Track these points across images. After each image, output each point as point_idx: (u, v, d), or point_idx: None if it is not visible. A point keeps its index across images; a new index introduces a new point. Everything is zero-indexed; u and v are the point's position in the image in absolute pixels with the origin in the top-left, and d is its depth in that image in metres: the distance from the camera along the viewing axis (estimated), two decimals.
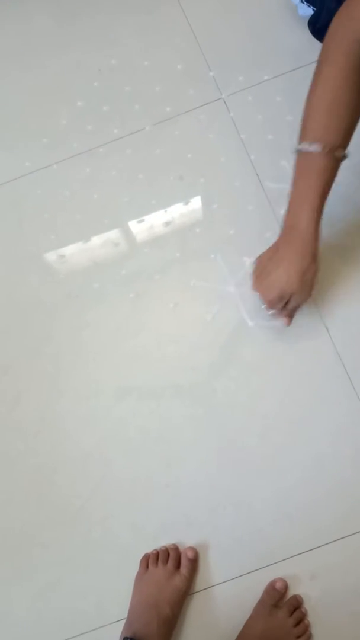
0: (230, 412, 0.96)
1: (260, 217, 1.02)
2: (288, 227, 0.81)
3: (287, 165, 1.03)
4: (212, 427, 0.96)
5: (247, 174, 1.04)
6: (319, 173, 0.76)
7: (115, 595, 0.90)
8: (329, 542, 0.88)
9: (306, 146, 0.75)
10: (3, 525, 0.96)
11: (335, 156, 0.75)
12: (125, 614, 0.87)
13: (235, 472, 0.93)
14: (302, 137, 0.76)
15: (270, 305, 0.86)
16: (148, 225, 1.06)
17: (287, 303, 0.85)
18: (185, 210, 1.05)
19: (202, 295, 1.01)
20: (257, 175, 1.04)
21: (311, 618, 0.86)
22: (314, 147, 0.74)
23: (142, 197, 1.07)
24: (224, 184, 1.05)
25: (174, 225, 1.05)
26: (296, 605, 0.86)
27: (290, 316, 0.91)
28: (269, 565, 0.89)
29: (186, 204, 1.06)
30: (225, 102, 1.09)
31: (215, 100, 1.10)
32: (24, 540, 0.95)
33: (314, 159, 0.76)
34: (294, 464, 0.93)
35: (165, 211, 1.06)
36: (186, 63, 1.14)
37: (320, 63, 0.74)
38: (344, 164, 0.77)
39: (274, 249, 0.84)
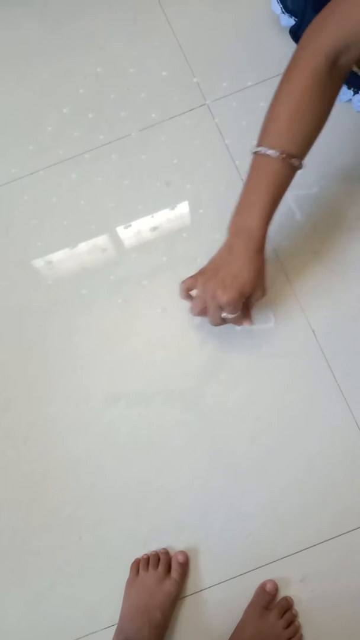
0: (220, 416, 0.96)
1: None
2: (237, 229, 0.81)
3: None
4: (202, 431, 0.96)
5: (232, 179, 1.05)
6: (274, 176, 0.77)
7: (106, 601, 0.90)
8: (319, 543, 0.89)
9: (264, 150, 0.76)
10: None
11: (292, 164, 0.76)
12: (116, 620, 0.87)
13: (226, 476, 0.94)
14: (261, 140, 0.77)
15: (231, 307, 0.81)
16: (135, 230, 1.06)
17: (244, 304, 0.84)
18: (172, 215, 1.06)
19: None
20: (242, 180, 1.05)
21: (302, 619, 0.87)
22: (271, 152, 0.75)
23: (128, 203, 1.08)
24: (210, 189, 1.06)
25: (161, 230, 1.06)
26: (287, 607, 0.86)
27: (249, 317, 0.89)
28: (260, 567, 0.89)
29: (173, 209, 1.06)
30: (209, 108, 1.10)
31: (200, 106, 1.11)
32: (15, 547, 0.95)
33: (269, 162, 0.76)
34: (284, 467, 0.93)
35: (152, 217, 1.06)
36: (171, 70, 1.14)
37: (288, 71, 0.75)
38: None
39: (223, 253, 0.82)
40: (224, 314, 0.84)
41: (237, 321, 0.87)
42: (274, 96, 0.77)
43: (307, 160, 1.02)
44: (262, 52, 1.12)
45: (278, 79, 1.08)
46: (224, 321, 0.86)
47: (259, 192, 0.78)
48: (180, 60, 1.14)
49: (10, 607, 0.93)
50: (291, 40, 1.09)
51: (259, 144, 0.77)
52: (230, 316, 0.84)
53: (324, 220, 1.02)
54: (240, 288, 0.80)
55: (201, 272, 0.84)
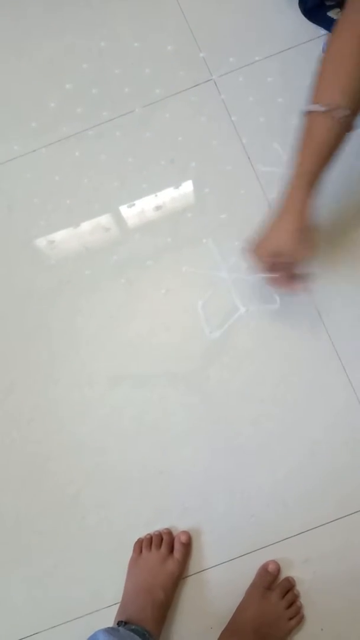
0: (224, 399, 0.96)
1: (253, 201, 1.01)
2: (286, 194, 0.80)
3: (279, 147, 1.02)
4: (206, 414, 0.96)
5: (238, 157, 1.03)
6: (320, 131, 0.74)
7: (109, 580, 0.91)
8: (322, 525, 0.89)
9: (310, 107, 0.74)
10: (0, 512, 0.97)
11: (339, 118, 0.72)
12: (119, 598, 0.88)
13: (229, 458, 0.94)
14: (309, 100, 0.75)
15: (267, 263, 0.83)
16: (139, 210, 1.05)
17: (289, 265, 0.83)
18: (177, 194, 1.04)
19: (194, 281, 1.00)
20: (249, 158, 1.03)
21: (303, 600, 0.87)
22: (317, 107, 0.73)
23: (132, 181, 1.06)
24: (216, 168, 1.04)
25: (165, 209, 1.04)
26: (288, 588, 0.87)
27: (296, 279, 0.87)
28: (262, 548, 0.89)
29: (177, 188, 1.04)
30: (215, 84, 1.08)
31: (206, 82, 1.08)
32: (19, 528, 0.95)
33: (317, 120, 0.74)
34: (287, 450, 0.93)
35: (156, 195, 1.05)
36: (176, 44, 1.11)
37: (337, 28, 0.73)
38: None
39: (274, 217, 0.82)
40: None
41: (285, 283, 0.87)
42: (324, 55, 0.74)
43: None
44: (270, 26, 1.09)
45: (287, 54, 1.07)
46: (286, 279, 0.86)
47: (305, 153, 0.76)
48: (186, 34, 1.11)
49: (14, 586, 0.94)
50: (299, 14, 1.06)
51: (310, 103, 0.75)
52: (272, 276, 0.85)
53: (333, 201, 0.99)
54: (276, 245, 0.80)
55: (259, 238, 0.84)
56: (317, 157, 0.76)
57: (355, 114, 0.74)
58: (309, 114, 0.75)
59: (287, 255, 0.81)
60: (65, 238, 1.06)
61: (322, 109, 0.73)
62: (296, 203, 0.79)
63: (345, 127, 0.75)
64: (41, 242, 1.06)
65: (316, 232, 0.81)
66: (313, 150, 0.76)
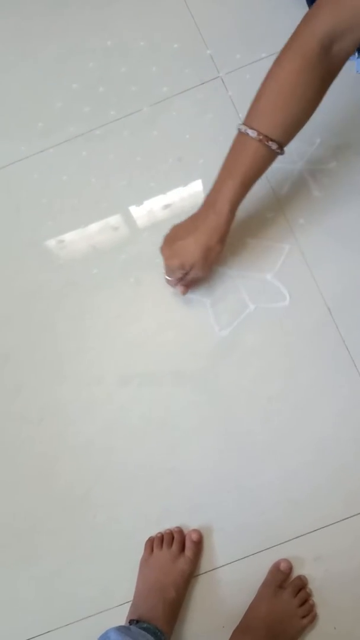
0: (233, 396, 0.95)
1: (260, 198, 1.00)
2: (207, 202, 0.82)
3: None
4: (215, 412, 0.95)
5: None
6: (250, 157, 0.76)
7: (120, 579, 0.91)
8: (333, 523, 0.88)
9: (244, 128, 0.75)
10: (9, 512, 0.97)
11: (269, 148, 0.75)
12: (131, 597, 0.88)
13: (238, 457, 0.93)
14: (246, 118, 0.76)
15: (169, 271, 0.88)
16: (147, 208, 1.05)
17: (186, 274, 0.87)
18: (185, 192, 1.04)
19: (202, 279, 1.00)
20: None
21: (316, 598, 0.86)
22: (250, 132, 0.74)
23: (140, 180, 1.06)
24: None
25: (173, 208, 1.04)
26: (301, 586, 0.86)
27: (187, 287, 0.94)
28: (273, 546, 0.89)
29: (185, 185, 1.04)
30: (223, 81, 1.07)
31: (213, 79, 1.08)
32: (30, 527, 0.96)
33: (248, 142, 0.76)
34: (297, 447, 0.92)
35: (164, 194, 1.04)
36: (183, 42, 1.11)
37: (280, 54, 0.74)
38: None
39: (191, 219, 0.85)
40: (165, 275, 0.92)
41: (173, 284, 0.94)
42: (266, 76, 0.75)
43: (324, 133, 1.01)
44: (277, 22, 1.08)
45: None
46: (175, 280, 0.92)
47: (233, 171, 0.78)
48: (192, 31, 1.11)
49: (25, 585, 0.94)
50: (306, 10, 1.05)
51: (243, 122, 0.76)
52: (167, 277, 0.92)
53: (342, 195, 0.99)
54: (182, 261, 0.84)
55: (167, 235, 0.88)
56: (242, 178, 0.78)
57: (285, 145, 0.77)
58: (243, 133, 0.76)
59: (191, 271, 0.85)
60: (73, 238, 1.06)
61: (256, 137, 0.74)
62: (213, 219, 0.81)
63: (274, 155, 0.77)
64: (49, 242, 1.06)
65: (223, 249, 0.84)
66: (240, 170, 0.78)
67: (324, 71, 0.71)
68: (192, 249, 0.82)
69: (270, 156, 0.77)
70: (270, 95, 0.74)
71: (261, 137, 0.74)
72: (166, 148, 1.06)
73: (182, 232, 0.84)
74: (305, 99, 0.73)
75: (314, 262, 0.97)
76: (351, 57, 1.01)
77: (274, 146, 0.75)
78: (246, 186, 0.79)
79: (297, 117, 0.75)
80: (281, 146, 0.76)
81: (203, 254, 0.82)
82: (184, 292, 0.95)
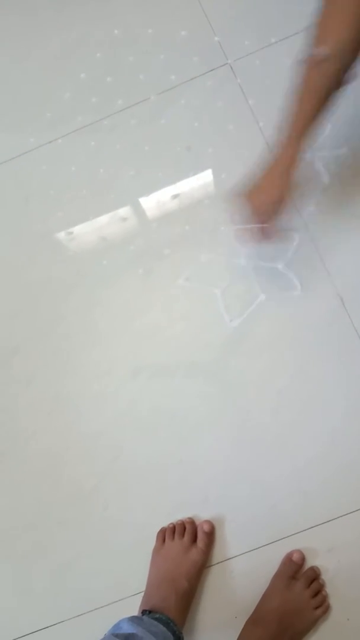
0: (244, 388, 0.95)
1: None
2: (279, 144, 0.81)
3: None
4: (226, 403, 0.95)
5: (256, 142, 1.01)
6: (317, 83, 0.74)
7: (132, 570, 0.91)
8: (347, 514, 0.88)
9: (308, 54, 0.73)
10: (21, 503, 0.97)
11: (334, 64, 0.72)
12: (143, 588, 0.88)
13: (249, 448, 0.93)
14: (308, 47, 0.74)
15: (257, 212, 0.84)
16: (155, 198, 1.04)
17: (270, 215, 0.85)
18: (194, 181, 1.03)
19: (212, 269, 0.99)
20: (267, 142, 1.01)
21: (329, 589, 0.86)
22: (320, 51, 0.72)
23: (148, 170, 1.05)
24: (233, 153, 1.02)
25: (182, 197, 1.03)
26: (313, 577, 0.85)
27: (266, 234, 0.88)
28: (286, 537, 0.88)
29: (194, 175, 1.03)
30: (231, 68, 1.06)
31: (222, 66, 1.06)
32: (41, 518, 0.96)
33: (313, 68, 0.73)
34: (308, 439, 0.91)
35: (173, 183, 1.04)
36: (190, 29, 1.10)
37: None
38: None
39: (266, 167, 0.83)
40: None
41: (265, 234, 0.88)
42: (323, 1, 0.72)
43: (334, 120, 0.99)
44: (285, 7, 1.06)
45: (303, 35, 1.03)
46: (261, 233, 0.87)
47: (301, 105, 0.76)
48: (200, 18, 1.09)
49: (37, 576, 0.94)
50: None
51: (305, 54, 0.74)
52: (243, 228, 0.87)
53: (353, 182, 0.97)
54: (266, 195, 0.82)
55: (245, 188, 0.85)
56: (311, 107, 0.76)
57: (350, 63, 0.73)
58: (307, 61, 0.74)
59: (278, 205, 0.83)
60: (82, 229, 1.05)
61: (319, 53, 0.71)
62: (289, 153, 0.80)
63: (340, 76, 0.74)
64: (58, 233, 1.06)
65: (309, 182, 0.83)
66: (308, 100, 0.76)
67: None
68: (273, 183, 0.82)
69: (337, 75, 0.73)
70: (328, 12, 0.72)
71: (326, 52, 0.71)
72: (174, 137, 1.05)
73: (259, 177, 0.83)
74: None
75: (325, 251, 0.96)
76: None
77: (336, 59, 0.71)
78: (317, 110, 0.76)
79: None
80: (348, 63, 0.72)
81: (289, 183, 0.81)
82: (264, 239, 0.88)
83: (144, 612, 0.81)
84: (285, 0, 1.06)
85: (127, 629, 0.73)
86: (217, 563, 0.90)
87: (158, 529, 0.91)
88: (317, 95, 0.75)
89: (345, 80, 0.75)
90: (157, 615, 0.79)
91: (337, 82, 0.75)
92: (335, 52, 0.71)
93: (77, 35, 1.14)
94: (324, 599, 0.85)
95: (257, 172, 0.84)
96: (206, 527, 0.89)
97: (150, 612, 0.81)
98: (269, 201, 0.83)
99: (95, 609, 0.91)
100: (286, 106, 0.78)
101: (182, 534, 0.89)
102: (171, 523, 0.91)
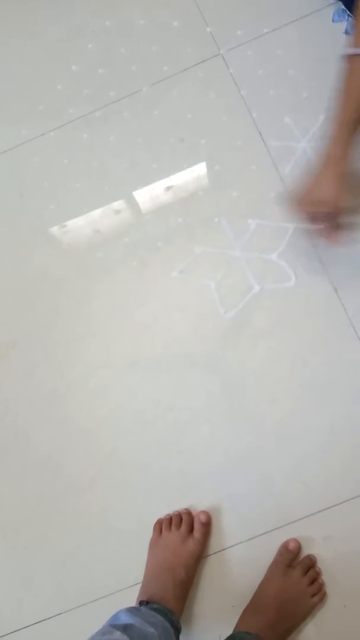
0: (241, 378, 0.95)
1: (264, 177, 0.99)
2: (327, 143, 0.79)
3: (291, 121, 1.00)
4: (224, 394, 0.95)
5: (249, 133, 1.01)
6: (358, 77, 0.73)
7: (130, 561, 0.91)
8: (342, 502, 0.88)
9: (352, 50, 0.72)
10: (21, 495, 0.98)
11: None
12: (140, 579, 0.88)
13: (248, 438, 0.93)
14: (352, 43, 0.74)
15: (310, 213, 0.83)
16: (149, 190, 1.03)
17: (330, 218, 0.83)
18: (187, 173, 1.03)
19: (206, 261, 0.99)
20: (260, 133, 1.01)
21: (325, 577, 0.86)
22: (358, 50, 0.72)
23: (142, 162, 1.05)
24: (226, 144, 1.02)
25: (175, 189, 1.03)
26: (310, 565, 0.86)
27: (335, 229, 0.85)
28: (282, 526, 0.89)
29: (187, 166, 1.03)
30: (224, 58, 1.05)
31: (214, 57, 1.06)
32: (41, 510, 0.96)
33: (356, 63, 0.73)
34: (306, 428, 0.92)
35: (166, 175, 1.03)
36: (182, 19, 1.09)
37: None
38: None
39: (316, 167, 0.81)
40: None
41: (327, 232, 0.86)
42: None
43: (327, 111, 0.98)
44: None
45: (295, 25, 1.04)
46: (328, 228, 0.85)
47: (348, 101, 0.75)
48: (192, 8, 1.09)
49: (38, 567, 0.95)
50: None
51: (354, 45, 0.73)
52: (314, 227, 0.85)
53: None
54: (317, 194, 0.79)
55: (298, 191, 0.83)
56: (355, 102, 0.74)
57: None
58: (352, 57, 0.73)
59: (330, 205, 0.79)
60: (76, 221, 1.05)
61: None
62: (338, 151, 0.78)
63: None
64: (53, 226, 1.06)
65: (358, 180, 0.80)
66: (355, 96, 0.74)
67: None
68: (324, 183, 0.79)
69: None
70: None
71: None
72: (168, 128, 1.05)
73: (310, 178, 0.81)
74: None
75: (319, 242, 0.96)
76: (342, 18, 0.99)
77: None
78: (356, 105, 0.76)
79: None
80: None
81: (340, 181, 0.78)
82: (345, 238, 0.85)
83: (141, 602, 0.82)
84: None
85: (125, 619, 0.73)
86: (214, 553, 0.90)
87: (156, 520, 0.92)
88: (352, 93, 0.74)
89: None
90: (155, 606, 0.80)
91: None
92: None
93: (69, 26, 1.13)
94: (321, 586, 0.86)
95: (307, 175, 0.81)
96: (203, 518, 0.89)
97: (148, 602, 0.81)
98: (322, 204, 0.80)
99: (94, 600, 0.91)
100: (332, 104, 0.77)
101: (179, 525, 0.89)
102: (168, 514, 0.92)
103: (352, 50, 0.73)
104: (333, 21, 1.00)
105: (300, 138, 1.00)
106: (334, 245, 0.86)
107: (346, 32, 1.00)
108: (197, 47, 1.07)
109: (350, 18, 0.98)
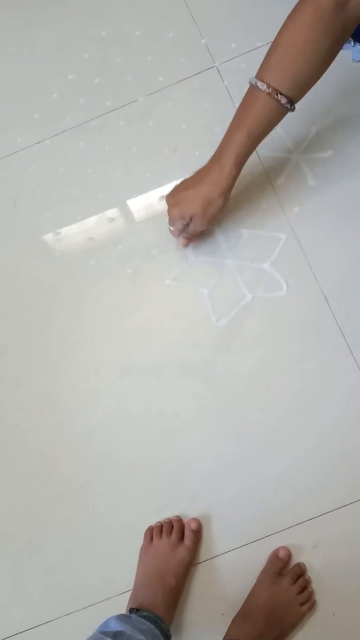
0: (232, 386, 0.96)
1: (257, 187, 1.00)
2: (214, 155, 0.84)
3: (283, 132, 1.01)
4: (214, 401, 0.95)
5: None
6: (258, 109, 0.77)
7: (121, 568, 0.91)
8: (332, 510, 0.89)
9: (255, 81, 0.76)
10: (11, 501, 0.97)
11: (279, 102, 0.75)
12: (131, 586, 0.88)
13: (238, 445, 0.93)
14: (258, 72, 0.77)
15: (171, 220, 0.90)
16: (143, 199, 1.04)
17: (187, 225, 0.89)
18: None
19: (199, 269, 1.00)
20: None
21: (315, 585, 0.87)
22: (260, 85, 0.75)
23: (136, 171, 1.06)
24: None
25: None
26: (300, 573, 0.86)
27: (187, 239, 0.96)
28: (272, 534, 0.89)
29: (181, 176, 1.03)
30: (218, 70, 1.07)
31: (209, 69, 1.07)
32: (30, 517, 0.96)
33: (258, 95, 0.76)
34: (296, 435, 0.92)
35: (160, 184, 1.04)
36: (178, 31, 1.11)
37: (294, 8, 0.73)
38: None
39: (198, 172, 0.86)
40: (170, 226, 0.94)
41: (176, 235, 0.96)
42: (279, 31, 0.75)
43: (320, 122, 1.00)
44: (272, 11, 1.06)
45: None
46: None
47: (240, 124, 0.79)
48: (187, 20, 1.10)
49: (27, 574, 0.94)
50: None
51: (255, 76, 0.77)
52: (170, 227, 0.95)
53: (338, 184, 0.99)
54: (182, 211, 0.86)
55: (175, 186, 0.90)
56: (249, 131, 0.78)
57: (296, 101, 0.77)
58: (254, 86, 0.76)
59: (191, 222, 0.87)
60: (70, 229, 1.06)
61: (265, 89, 0.74)
62: (217, 172, 0.82)
63: (284, 110, 0.77)
64: (47, 233, 1.06)
65: (225, 204, 0.85)
66: (247, 124, 0.78)
67: (338, 28, 0.70)
68: (192, 200, 0.84)
69: (280, 111, 0.77)
70: (281, 49, 0.74)
71: (270, 90, 0.74)
72: (162, 138, 1.06)
73: (188, 184, 0.86)
74: (317, 55, 0.72)
75: (310, 251, 0.97)
76: (347, 46, 1.01)
77: (283, 100, 0.75)
78: (253, 140, 0.79)
79: (308, 72, 0.74)
80: (291, 101, 0.76)
81: (203, 206, 0.83)
82: (185, 245, 0.97)
83: (131, 610, 0.82)
84: (271, 5, 1.07)
85: (115, 626, 0.73)
86: (205, 560, 0.90)
87: (146, 527, 0.92)
88: (255, 123, 0.78)
89: (290, 109, 0.78)
90: (145, 613, 0.80)
91: (277, 115, 0.78)
92: (278, 93, 0.75)
93: (65, 36, 1.14)
94: (310, 595, 0.86)
95: (191, 180, 0.87)
96: (193, 525, 0.89)
97: (138, 610, 0.81)
98: (183, 215, 0.87)
99: (84, 607, 0.91)
100: (231, 122, 0.82)
101: (170, 532, 0.89)
102: (159, 521, 0.92)
103: (255, 83, 0.76)
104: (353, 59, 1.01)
105: (293, 149, 1.01)
106: (183, 245, 0.97)
107: (353, 59, 1.02)
108: (192, 59, 1.08)
109: (357, 45, 1.00)
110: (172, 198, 0.88)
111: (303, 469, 0.91)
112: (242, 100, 0.80)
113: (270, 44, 0.76)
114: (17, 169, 1.10)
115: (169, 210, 0.89)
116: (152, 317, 1.00)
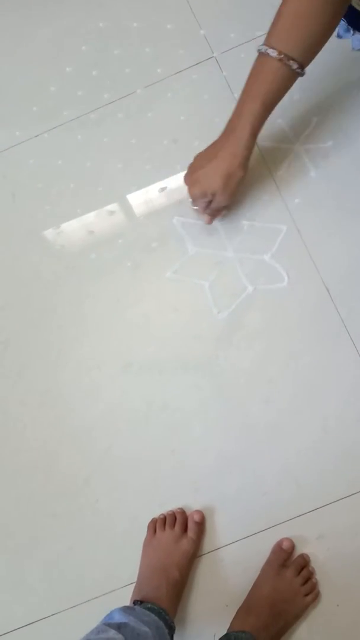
0: (234, 378, 0.95)
1: (257, 178, 1.00)
2: (228, 127, 0.83)
3: (283, 123, 1.01)
4: (217, 394, 0.95)
5: None
6: (269, 76, 0.76)
7: (124, 561, 0.91)
8: (335, 501, 0.89)
9: (265, 48, 0.75)
10: (14, 496, 0.97)
11: (290, 67, 0.75)
12: (134, 579, 0.88)
13: (240, 438, 0.93)
14: (266, 39, 0.76)
15: (193, 199, 0.89)
16: (143, 191, 1.04)
17: (210, 202, 0.88)
18: (181, 174, 1.02)
19: (200, 262, 0.99)
20: None
21: (319, 576, 0.87)
22: (271, 52, 0.74)
23: (136, 163, 1.05)
24: None
25: (169, 190, 1.03)
26: (303, 565, 0.86)
27: (212, 216, 0.95)
28: (276, 525, 0.89)
29: (181, 168, 1.03)
30: (217, 61, 1.06)
31: (207, 59, 1.07)
32: (34, 511, 0.96)
33: (269, 62, 0.75)
34: (299, 427, 0.92)
35: (160, 176, 1.04)
36: (176, 22, 1.10)
37: None
38: None
39: (212, 146, 0.85)
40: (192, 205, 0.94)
41: (200, 212, 0.95)
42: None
43: (320, 113, 1.00)
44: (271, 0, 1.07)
45: None
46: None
47: (253, 93, 0.78)
48: (185, 11, 1.10)
49: (31, 568, 0.94)
50: None
51: (263, 43, 0.76)
52: (193, 207, 0.95)
53: (339, 175, 0.98)
54: (203, 189, 0.85)
55: (190, 164, 0.89)
56: (262, 99, 0.78)
57: (306, 65, 0.77)
58: (263, 54, 0.76)
59: (213, 199, 0.86)
60: (70, 223, 1.05)
61: (276, 56, 0.74)
62: (233, 144, 0.81)
63: (295, 75, 0.77)
64: (46, 227, 1.06)
65: (245, 175, 0.84)
66: (260, 92, 0.78)
67: None
68: (212, 176, 0.83)
69: (291, 76, 0.77)
70: (289, 15, 0.73)
71: (282, 56, 0.73)
72: (161, 130, 1.05)
73: (203, 160, 0.85)
74: (323, 17, 0.72)
75: (311, 243, 0.97)
76: (346, 35, 1.00)
77: (294, 65, 0.74)
78: (267, 108, 0.79)
79: (315, 36, 0.74)
80: (302, 66, 0.76)
81: (223, 180, 0.83)
82: (209, 222, 0.96)
83: (135, 602, 0.82)
84: None
85: (119, 618, 0.74)
86: (208, 552, 0.90)
87: (150, 520, 0.92)
88: (267, 89, 0.77)
89: (300, 74, 0.77)
90: (149, 605, 0.80)
91: (288, 80, 0.78)
92: (289, 58, 0.74)
93: (63, 28, 1.14)
94: (314, 586, 0.86)
95: (206, 153, 0.85)
96: (197, 517, 0.89)
97: (142, 602, 0.81)
98: (204, 191, 0.85)
99: (88, 600, 0.91)
100: (241, 92, 0.80)
101: (173, 525, 0.89)
102: (162, 514, 0.92)
103: (265, 50, 0.75)
104: (338, 36, 1.00)
105: (294, 140, 1.00)
106: (207, 223, 0.96)
107: (353, 48, 1.01)
108: (190, 50, 1.08)
109: (356, 34, 0.99)
110: (191, 177, 0.87)
111: (306, 460, 0.91)
112: (252, 70, 0.79)
113: None
114: (17, 162, 1.09)
115: (189, 190, 0.88)
116: (153, 310, 1.00)
